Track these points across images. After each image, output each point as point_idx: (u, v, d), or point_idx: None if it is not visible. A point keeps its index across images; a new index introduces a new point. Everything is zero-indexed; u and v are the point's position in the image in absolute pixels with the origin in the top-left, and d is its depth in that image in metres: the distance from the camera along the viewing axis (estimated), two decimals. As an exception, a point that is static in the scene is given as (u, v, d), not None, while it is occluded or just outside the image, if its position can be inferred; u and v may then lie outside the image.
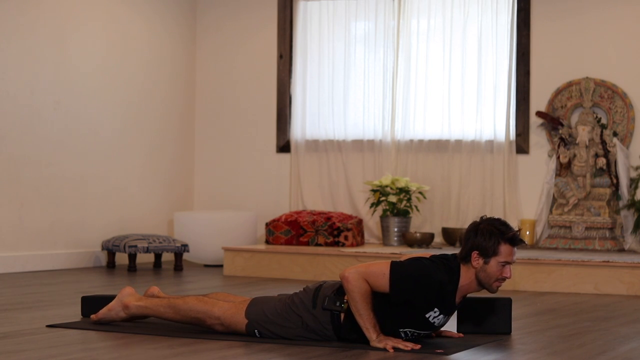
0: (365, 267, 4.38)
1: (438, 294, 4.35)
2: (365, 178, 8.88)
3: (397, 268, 4.35)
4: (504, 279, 4.42)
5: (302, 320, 4.49)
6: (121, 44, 8.78)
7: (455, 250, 7.73)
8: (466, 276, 4.41)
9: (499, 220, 4.42)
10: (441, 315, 4.42)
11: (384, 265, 4.37)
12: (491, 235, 4.36)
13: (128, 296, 4.86)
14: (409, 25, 8.79)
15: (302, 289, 4.61)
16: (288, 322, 4.52)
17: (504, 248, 4.36)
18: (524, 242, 4.47)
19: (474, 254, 4.38)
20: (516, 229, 4.46)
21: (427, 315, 4.38)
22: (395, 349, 4.31)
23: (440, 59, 8.71)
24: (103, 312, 4.88)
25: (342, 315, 4.45)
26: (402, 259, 4.64)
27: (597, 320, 5.58)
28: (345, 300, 4.45)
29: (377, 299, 4.38)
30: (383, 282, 4.33)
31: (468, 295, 4.60)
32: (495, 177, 8.54)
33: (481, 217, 4.48)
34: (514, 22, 8.50)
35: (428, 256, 4.54)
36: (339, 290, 4.50)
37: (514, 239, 4.37)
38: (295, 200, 9.16)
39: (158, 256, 8.48)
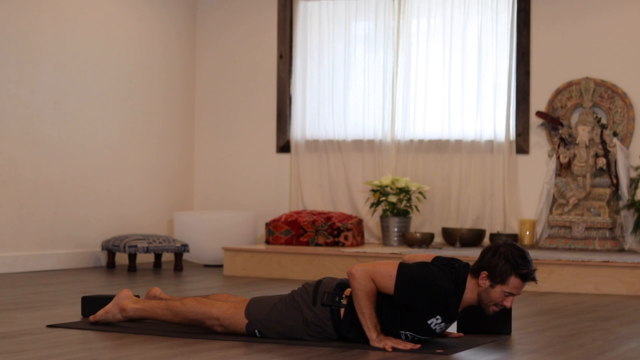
0: (372, 266, 4.37)
1: (442, 302, 4.34)
2: (365, 178, 8.88)
3: (405, 271, 4.34)
4: (503, 307, 4.40)
5: (302, 317, 4.49)
6: (121, 45, 8.78)
7: (454, 251, 7.77)
8: (471, 289, 4.38)
9: (520, 251, 4.34)
10: (443, 323, 4.41)
11: (392, 266, 4.35)
12: (506, 263, 4.29)
13: (125, 299, 4.84)
14: (409, 25, 8.79)
15: (301, 286, 4.61)
16: (289, 320, 4.52)
17: (513, 281, 4.32)
18: (536, 281, 4.40)
19: (483, 274, 4.34)
20: (533, 267, 4.36)
21: (429, 322, 4.37)
22: (395, 349, 4.31)
23: (440, 59, 8.71)
24: (100, 314, 4.87)
25: (342, 311, 4.46)
26: (404, 258, 4.64)
27: (597, 320, 5.58)
28: (344, 296, 4.45)
29: (380, 299, 4.38)
30: (389, 283, 4.32)
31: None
32: (495, 177, 8.54)
33: (505, 241, 4.40)
34: (514, 23, 8.50)
35: (430, 259, 4.52)
36: (339, 285, 4.50)
37: (527, 277, 4.32)
38: (295, 200, 9.16)
39: (158, 256, 8.48)
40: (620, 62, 8.27)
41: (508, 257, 4.31)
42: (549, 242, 8.16)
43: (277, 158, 9.31)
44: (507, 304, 4.37)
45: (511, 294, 4.35)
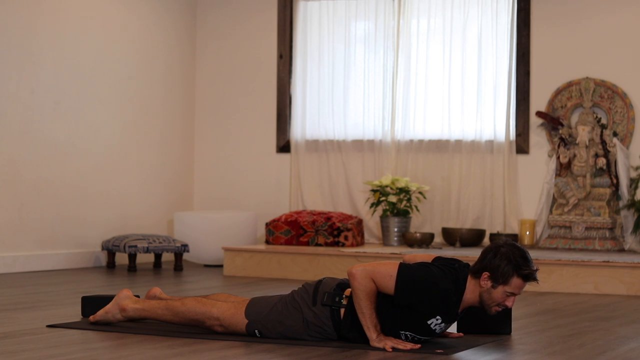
0: (373, 266, 4.37)
1: (442, 303, 4.34)
2: (365, 178, 8.88)
3: (405, 271, 4.33)
4: (505, 307, 4.40)
5: (302, 317, 4.49)
6: (121, 45, 8.78)
7: (454, 251, 7.77)
8: (471, 289, 4.38)
9: (521, 250, 4.34)
10: (443, 323, 4.41)
11: (392, 266, 4.35)
12: (508, 263, 4.30)
13: (125, 299, 4.84)
14: (409, 25, 8.79)
15: (301, 286, 4.61)
16: (289, 320, 4.52)
17: (515, 281, 4.32)
18: (537, 282, 4.42)
19: (485, 275, 4.34)
20: (535, 267, 4.37)
21: (429, 322, 4.37)
22: (395, 349, 4.31)
23: (440, 59, 8.71)
24: (100, 314, 4.87)
25: (342, 311, 4.46)
26: (405, 259, 4.63)
27: (597, 320, 5.58)
28: (344, 296, 4.45)
29: (380, 299, 4.38)
30: (389, 283, 4.32)
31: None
32: (495, 177, 8.54)
33: (505, 241, 4.40)
34: (514, 23, 8.50)
35: (431, 259, 4.52)
36: (339, 285, 4.50)
37: (529, 277, 4.32)
38: (295, 200, 9.16)
39: (158, 256, 8.48)
40: (620, 62, 8.27)
41: (510, 258, 4.31)
42: (549, 242, 8.16)
43: (277, 158, 9.31)
44: (508, 303, 4.38)
45: (513, 294, 4.35)
